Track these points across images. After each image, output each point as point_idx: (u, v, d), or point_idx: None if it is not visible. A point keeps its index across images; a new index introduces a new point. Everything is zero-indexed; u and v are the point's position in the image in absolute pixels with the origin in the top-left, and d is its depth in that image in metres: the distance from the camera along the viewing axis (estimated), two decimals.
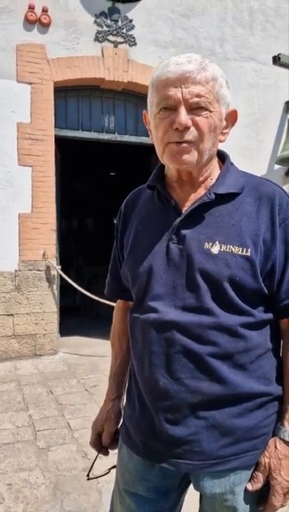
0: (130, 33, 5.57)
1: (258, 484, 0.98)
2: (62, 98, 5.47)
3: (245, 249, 0.96)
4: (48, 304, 5.16)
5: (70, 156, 7.21)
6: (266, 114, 6.31)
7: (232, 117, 1.05)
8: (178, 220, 1.02)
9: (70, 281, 5.32)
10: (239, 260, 0.95)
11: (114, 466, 1.21)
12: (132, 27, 5.58)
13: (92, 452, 1.28)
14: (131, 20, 5.57)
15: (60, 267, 5.35)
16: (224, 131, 1.04)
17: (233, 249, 0.96)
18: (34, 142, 5.10)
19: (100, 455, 1.27)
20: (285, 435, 0.99)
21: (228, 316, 0.96)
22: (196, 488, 1.04)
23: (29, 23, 5.09)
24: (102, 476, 1.26)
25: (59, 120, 5.42)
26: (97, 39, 5.42)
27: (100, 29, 5.43)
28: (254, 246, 0.96)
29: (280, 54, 5.31)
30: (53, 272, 5.21)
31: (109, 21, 5.47)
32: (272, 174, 6.15)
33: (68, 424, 3.20)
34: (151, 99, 1.02)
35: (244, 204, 1.01)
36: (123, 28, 5.54)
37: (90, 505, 2.22)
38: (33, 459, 2.68)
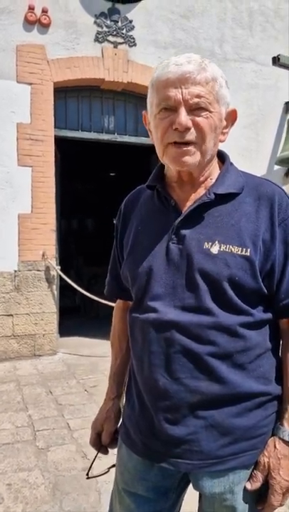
0: (130, 33, 5.58)
1: (256, 483, 0.99)
2: (62, 98, 5.48)
3: (244, 249, 0.96)
4: (47, 305, 5.16)
5: (70, 156, 7.21)
6: (266, 115, 6.32)
7: (231, 117, 1.06)
8: (178, 220, 1.02)
9: (69, 281, 5.32)
10: (238, 260, 0.96)
11: (113, 465, 1.22)
12: (132, 28, 5.58)
13: (92, 452, 1.28)
14: (131, 21, 5.58)
15: (59, 267, 5.35)
16: (224, 130, 1.04)
17: (233, 249, 0.96)
18: (34, 143, 5.10)
19: (100, 455, 1.27)
20: (285, 435, 0.99)
21: (228, 316, 0.96)
22: (196, 487, 1.04)
23: (29, 23, 5.10)
24: (101, 475, 1.26)
25: (59, 120, 5.43)
26: (97, 40, 5.42)
27: (99, 30, 5.44)
28: (253, 246, 0.96)
29: (279, 55, 5.31)
30: (53, 273, 5.21)
31: (109, 22, 5.47)
32: (272, 175, 6.16)
33: (68, 424, 3.20)
34: (151, 100, 1.02)
35: (244, 204, 1.01)
36: (123, 29, 5.54)
37: (90, 506, 2.22)
38: (32, 459, 2.68)
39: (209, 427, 0.97)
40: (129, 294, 1.13)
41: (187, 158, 0.98)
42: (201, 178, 1.05)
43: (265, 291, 0.99)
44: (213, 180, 1.05)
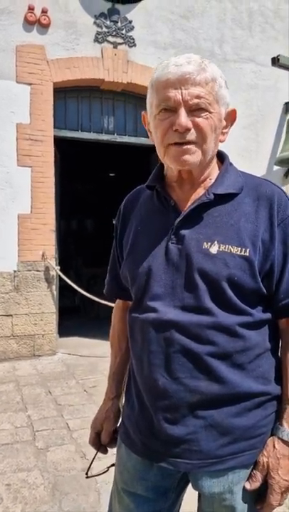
0: (130, 34, 5.58)
1: (256, 483, 0.99)
2: (61, 99, 5.48)
3: (243, 249, 0.96)
4: (46, 305, 5.16)
5: (70, 156, 7.21)
6: (265, 115, 6.33)
7: (231, 117, 1.06)
8: (177, 220, 1.02)
9: (69, 281, 5.32)
10: (238, 260, 0.96)
11: (112, 465, 1.22)
12: (132, 28, 5.59)
13: (91, 453, 1.29)
14: (130, 22, 5.58)
15: (59, 267, 5.35)
16: (224, 131, 1.05)
17: (232, 249, 0.96)
18: (33, 143, 5.10)
19: (99, 455, 1.27)
20: (284, 435, 0.99)
21: (227, 316, 0.96)
22: (195, 487, 1.05)
23: (29, 23, 5.10)
24: (100, 474, 1.26)
25: (58, 121, 5.43)
26: (96, 40, 5.43)
27: (99, 30, 5.44)
28: (253, 246, 0.97)
29: (279, 55, 5.31)
30: (52, 273, 5.21)
31: (108, 22, 5.48)
32: (272, 175, 6.16)
33: (67, 424, 3.20)
34: (151, 100, 1.03)
35: (243, 204, 1.01)
36: (123, 29, 5.54)
37: (89, 506, 2.22)
38: (31, 460, 2.68)
39: (208, 426, 0.97)
40: (129, 293, 1.13)
41: (188, 157, 0.98)
42: (201, 178, 1.05)
43: (265, 291, 0.99)
44: (213, 181, 1.05)
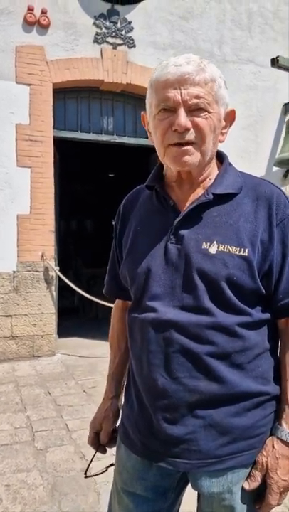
0: (129, 34, 5.58)
1: (254, 483, 0.99)
2: (61, 99, 5.48)
3: (242, 250, 0.96)
4: (46, 305, 5.16)
5: (69, 157, 7.22)
6: (264, 116, 6.33)
7: (230, 117, 1.06)
8: (176, 220, 1.02)
9: (68, 282, 5.32)
10: (237, 260, 0.96)
11: (112, 464, 1.22)
12: (131, 29, 5.59)
13: (90, 453, 1.28)
14: (130, 22, 5.59)
15: (58, 268, 5.35)
16: (223, 131, 1.05)
17: (231, 250, 0.97)
18: (33, 143, 5.10)
19: (98, 456, 1.27)
20: (283, 435, 0.99)
21: (226, 316, 0.96)
22: (194, 487, 1.05)
23: (28, 24, 5.10)
24: (99, 474, 1.26)
25: (58, 121, 5.43)
26: (96, 41, 5.43)
27: (99, 31, 5.45)
28: (252, 246, 0.97)
29: (278, 56, 5.31)
30: (52, 273, 5.21)
31: (108, 23, 5.48)
32: (271, 176, 6.17)
33: (66, 425, 3.20)
34: (150, 100, 1.03)
35: (242, 204, 1.01)
36: (122, 30, 5.55)
37: (88, 506, 2.22)
38: (30, 460, 2.68)
39: (208, 426, 0.97)
40: (128, 293, 1.14)
41: (188, 158, 0.98)
42: (200, 179, 1.05)
43: (264, 291, 0.99)
44: (212, 181, 1.05)
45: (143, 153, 5.99)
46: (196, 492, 1.08)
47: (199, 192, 1.05)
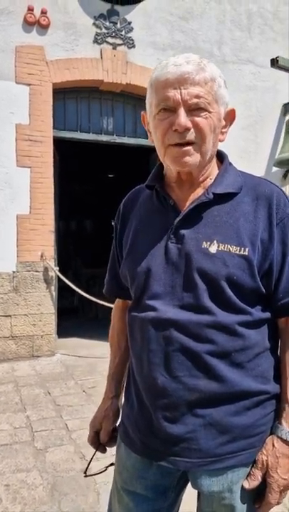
0: (129, 35, 5.59)
1: (254, 482, 0.99)
2: (60, 99, 5.48)
3: (242, 249, 0.96)
4: (45, 305, 5.16)
5: (69, 157, 7.22)
6: (264, 117, 6.34)
7: (230, 116, 1.06)
8: (176, 219, 1.02)
9: (68, 282, 5.32)
10: (237, 259, 0.96)
11: (111, 464, 1.22)
12: (131, 29, 5.60)
13: (90, 453, 1.28)
14: (130, 23, 5.59)
15: (58, 268, 5.35)
16: (223, 130, 1.05)
17: (231, 249, 0.97)
18: (33, 143, 5.11)
19: (98, 456, 1.27)
20: (283, 433, 0.99)
21: (226, 315, 0.97)
22: (194, 486, 1.05)
23: (28, 24, 5.10)
24: (99, 473, 1.26)
25: (58, 121, 5.43)
26: (96, 41, 5.43)
27: (98, 31, 5.45)
28: (252, 245, 0.97)
29: (278, 57, 5.32)
30: (51, 274, 5.21)
31: (108, 23, 5.48)
32: (270, 176, 6.17)
33: (66, 425, 3.20)
34: (150, 100, 1.03)
35: (242, 204, 1.01)
36: (122, 30, 5.55)
37: (88, 506, 2.22)
38: (30, 460, 2.68)
39: (208, 425, 0.97)
40: (128, 293, 1.14)
41: (188, 159, 0.98)
42: (200, 178, 1.05)
43: (264, 290, 0.99)
44: (212, 180, 1.05)
45: (143, 153, 5.99)
46: (196, 492, 1.08)
47: (199, 191, 1.05)
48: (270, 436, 1.01)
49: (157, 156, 1.08)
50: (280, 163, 6.02)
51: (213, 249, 0.98)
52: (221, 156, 1.10)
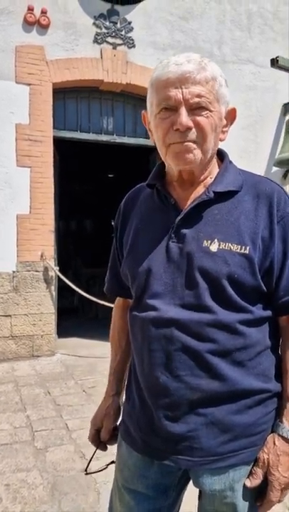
0: (129, 35, 5.59)
1: (256, 480, 0.99)
2: (60, 99, 5.48)
3: (243, 247, 0.96)
4: (45, 305, 5.16)
5: (69, 157, 7.22)
6: (264, 117, 6.34)
7: (231, 115, 1.06)
8: (177, 218, 1.02)
9: (68, 282, 5.32)
10: (238, 258, 0.96)
11: (112, 462, 1.22)
12: (131, 29, 5.60)
13: (90, 453, 1.28)
14: (130, 23, 5.59)
15: (58, 268, 5.35)
16: (224, 129, 1.05)
17: (232, 247, 0.97)
18: (33, 143, 5.11)
19: (98, 455, 1.27)
20: (284, 432, 0.99)
21: (227, 314, 0.97)
22: (196, 484, 1.05)
23: (28, 24, 5.10)
24: (99, 471, 1.26)
25: (58, 121, 5.43)
26: (96, 41, 5.44)
27: (98, 31, 5.45)
28: (252, 244, 0.97)
29: (278, 57, 5.32)
30: (51, 273, 5.21)
31: (108, 23, 5.48)
32: (270, 176, 6.16)
33: (66, 424, 3.20)
34: (151, 100, 1.03)
35: (243, 202, 1.01)
36: (122, 30, 5.55)
37: (88, 506, 2.22)
38: (30, 460, 2.68)
39: (209, 424, 0.97)
40: (129, 292, 1.14)
41: (189, 156, 0.98)
42: (201, 177, 1.05)
43: (265, 288, 0.99)
44: (213, 179, 1.05)
45: (143, 153, 5.99)
46: (197, 491, 1.09)
47: (200, 190, 1.05)
48: (271, 435, 1.01)
49: (157, 156, 1.08)
50: (280, 163, 6.03)
51: (214, 247, 0.98)
52: (221, 155, 1.10)
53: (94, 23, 5.43)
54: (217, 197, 1.02)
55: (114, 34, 5.51)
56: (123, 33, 5.56)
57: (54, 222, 5.32)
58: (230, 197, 1.02)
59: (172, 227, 1.03)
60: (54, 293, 5.29)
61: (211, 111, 0.97)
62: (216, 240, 0.98)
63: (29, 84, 5.10)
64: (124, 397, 1.20)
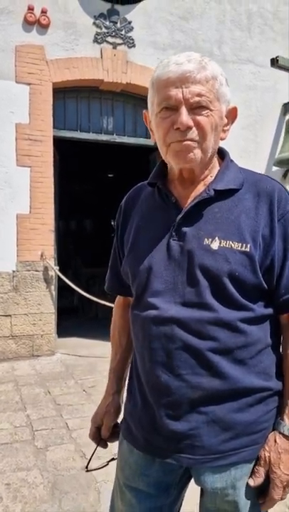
0: (129, 34, 5.59)
1: (259, 479, 0.99)
2: (60, 99, 5.48)
3: (244, 245, 0.97)
4: (45, 305, 5.16)
5: (69, 157, 7.22)
6: (264, 116, 6.34)
7: (232, 114, 1.06)
8: (178, 217, 1.03)
9: (68, 282, 5.32)
10: (238, 256, 0.96)
11: (113, 459, 1.22)
12: (131, 29, 5.60)
13: (90, 452, 1.29)
14: (130, 22, 5.59)
15: (58, 267, 5.35)
16: (225, 128, 1.05)
17: (233, 245, 0.97)
18: (33, 143, 5.11)
19: (98, 453, 1.27)
20: (285, 429, 0.99)
21: (228, 312, 0.97)
22: (197, 482, 1.05)
23: (28, 24, 5.11)
24: (100, 468, 1.27)
25: (58, 121, 5.43)
26: (96, 40, 5.44)
27: (98, 30, 5.45)
28: (253, 242, 0.97)
29: (278, 56, 5.33)
30: (51, 273, 5.21)
31: (108, 23, 5.49)
32: (270, 176, 6.15)
33: (66, 424, 3.20)
34: (152, 99, 1.03)
35: (243, 200, 1.01)
36: (122, 30, 5.56)
37: (89, 505, 2.22)
38: (31, 459, 2.68)
39: (211, 422, 0.97)
40: (130, 290, 1.14)
41: (190, 155, 0.99)
42: (202, 176, 1.06)
43: (265, 286, 0.99)
44: (213, 177, 1.05)
45: (143, 153, 5.99)
46: (199, 489, 1.09)
47: (200, 188, 1.05)
48: (272, 433, 1.01)
49: (158, 155, 1.08)
50: (280, 162, 6.03)
51: (214, 245, 0.98)
52: (222, 154, 1.11)
53: (94, 23, 5.43)
54: (217, 195, 1.02)
55: (114, 34, 5.51)
56: (123, 32, 5.56)
57: (54, 221, 5.33)
58: (230, 195, 1.02)
59: (173, 225, 1.03)
60: (54, 292, 5.29)
61: (211, 110, 0.98)
62: (216, 238, 0.98)
63: (29, 84, 5.11)
64: (124, 396, 1.21)
